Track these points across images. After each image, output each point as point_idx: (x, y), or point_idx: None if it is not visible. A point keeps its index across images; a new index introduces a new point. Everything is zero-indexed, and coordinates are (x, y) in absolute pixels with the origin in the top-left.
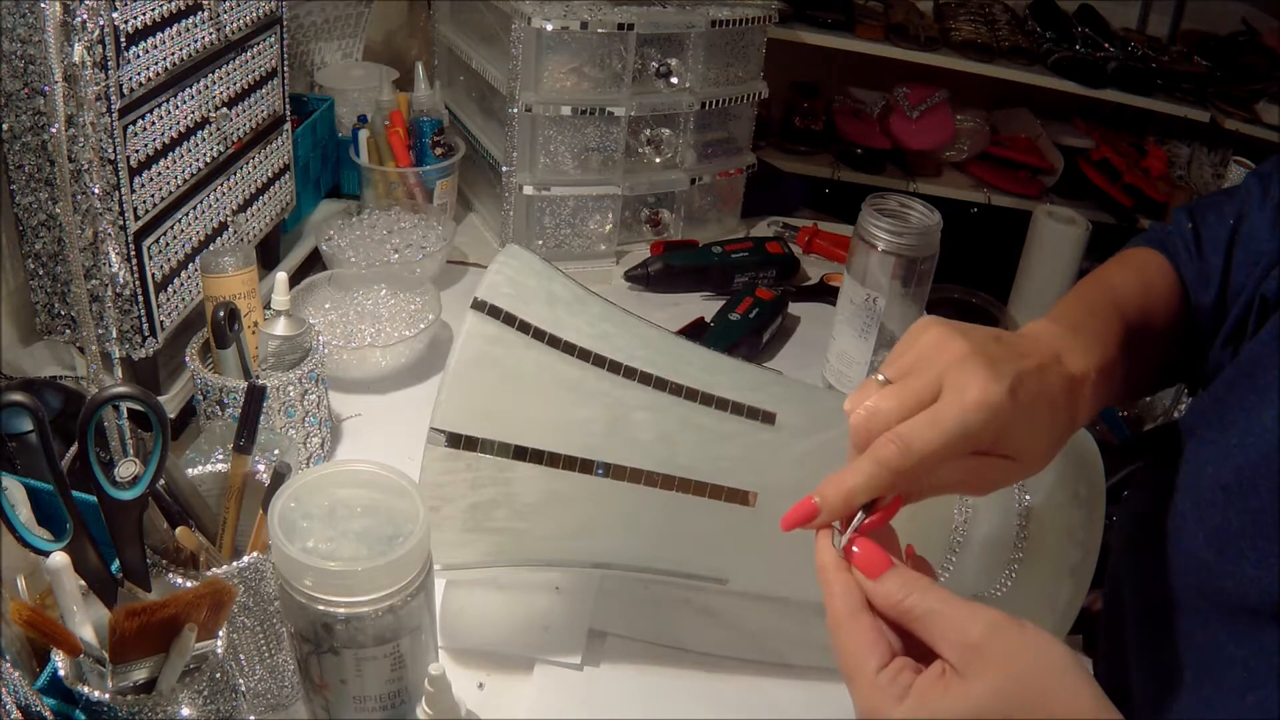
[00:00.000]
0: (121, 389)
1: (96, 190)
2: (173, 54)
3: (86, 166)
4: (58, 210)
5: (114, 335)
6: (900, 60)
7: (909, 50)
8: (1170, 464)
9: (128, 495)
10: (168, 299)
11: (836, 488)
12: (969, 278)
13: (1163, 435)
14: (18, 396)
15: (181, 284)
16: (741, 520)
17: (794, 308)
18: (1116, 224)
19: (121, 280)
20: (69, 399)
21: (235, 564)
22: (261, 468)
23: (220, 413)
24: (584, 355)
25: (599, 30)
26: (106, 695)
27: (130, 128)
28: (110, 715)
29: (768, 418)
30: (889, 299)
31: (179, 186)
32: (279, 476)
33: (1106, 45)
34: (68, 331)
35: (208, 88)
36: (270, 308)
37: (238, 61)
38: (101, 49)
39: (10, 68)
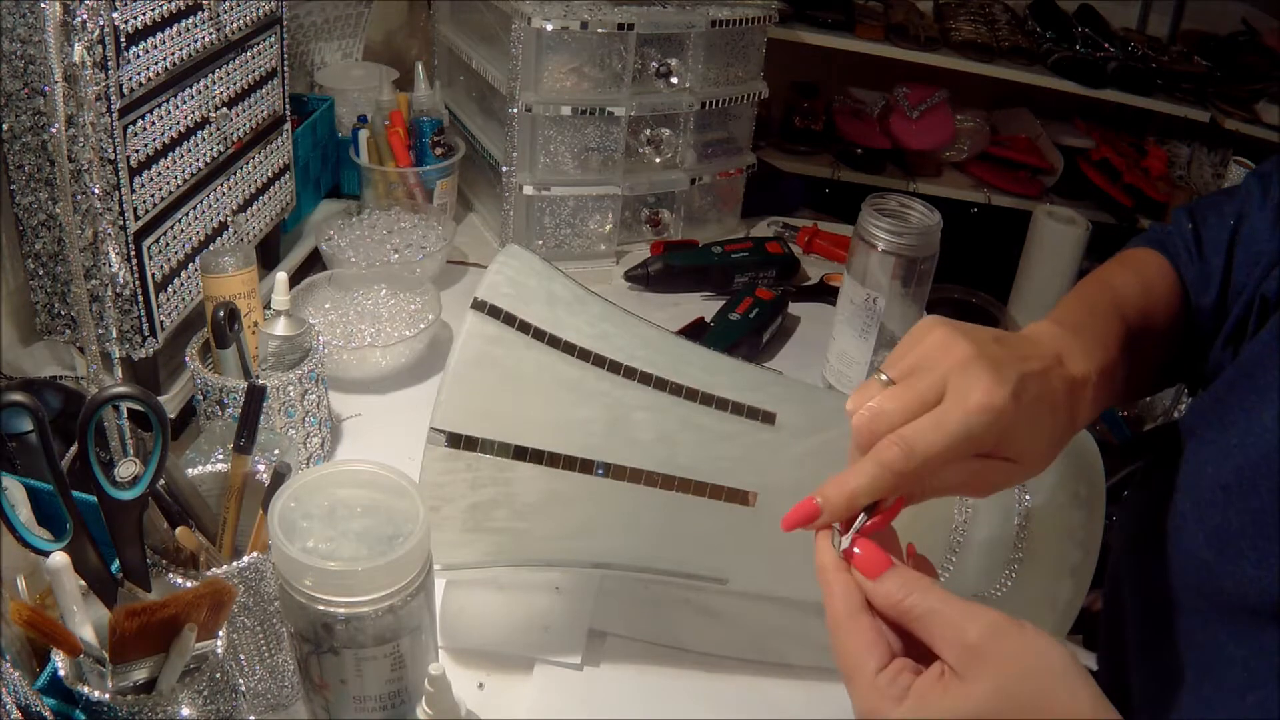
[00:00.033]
0: (121, 389)
1: (96, 190)
2: (173, 54)
3: (86, 166)
4: (58, 210)
5: (114, 335)
6: (900, 60)
7: (909, 50)
8: (1170, 464)
9: (128, 495)
10: (168, 299)
11: (839, 489)
12: (969, 278)
13: (1163, 435)
14: (18, 396)
15: (181, 284)
16: (741, 520)
17: (794, 308)
18: (1116, 224)
19: (121, 280)
20: (69, 399)
21: (235, 564)
22: (261, 468)
23: (220, 413)
24: (584, 355)
25: (599, 30)
26: (106, 695)
27: (130, 128)
28: (110, 715)
29: (768, 418)
30: (889, 299)
31: (179, 186)
32: (279, 476)
33: (1106, 45)
34: (68, 331)
35: (208, 88)
36: (270, 308)
37: (238, 61)
38: (101, 49)
39: (10, 68)
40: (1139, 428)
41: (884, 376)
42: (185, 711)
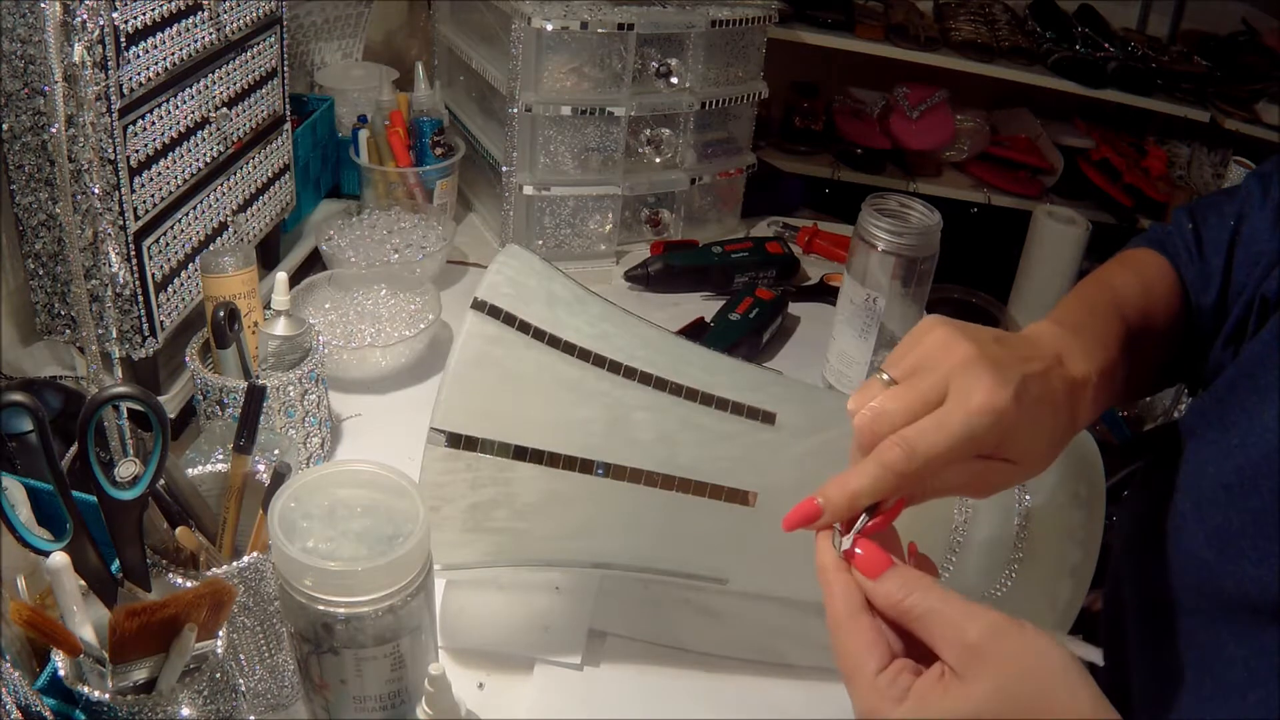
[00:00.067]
0: (121, 389)
1: (96, 190)
2: (173, 54)
3: (86, 166)
4: (58, 210)
5: (114, 335)
6: (900, 60)
7: (909, 50)
8: (1170, 464)
9: (128, 495)
10: (168, 299)
11: (840, 489)
12: (969, 278)
13: (1163, 435)
14: (18, 396)
15: (181, 284)
16: (741, 520)
17: (794, 308)
18: (1116, 224)
19: (121, 280)
20: (69, 399)
21: (235, 564)
22: (261, 468)
23: (220, 413)
24: (584, 355)
25: (599, 30)
26: (106, 695)
27: (130, 128)
28: (110, 715)
29: (768, 418)
30: (889, 299)
31: (179, 186)
32: (279, 476)
33: (1106, 45)
34: (68, 331)
35: (208, 88)
36: (270, 308)
37: (238, 61)
38: (101, 49)
39: (10, 68)
40: (1139, 428)
41: (885, 376)
42: (185, 711)
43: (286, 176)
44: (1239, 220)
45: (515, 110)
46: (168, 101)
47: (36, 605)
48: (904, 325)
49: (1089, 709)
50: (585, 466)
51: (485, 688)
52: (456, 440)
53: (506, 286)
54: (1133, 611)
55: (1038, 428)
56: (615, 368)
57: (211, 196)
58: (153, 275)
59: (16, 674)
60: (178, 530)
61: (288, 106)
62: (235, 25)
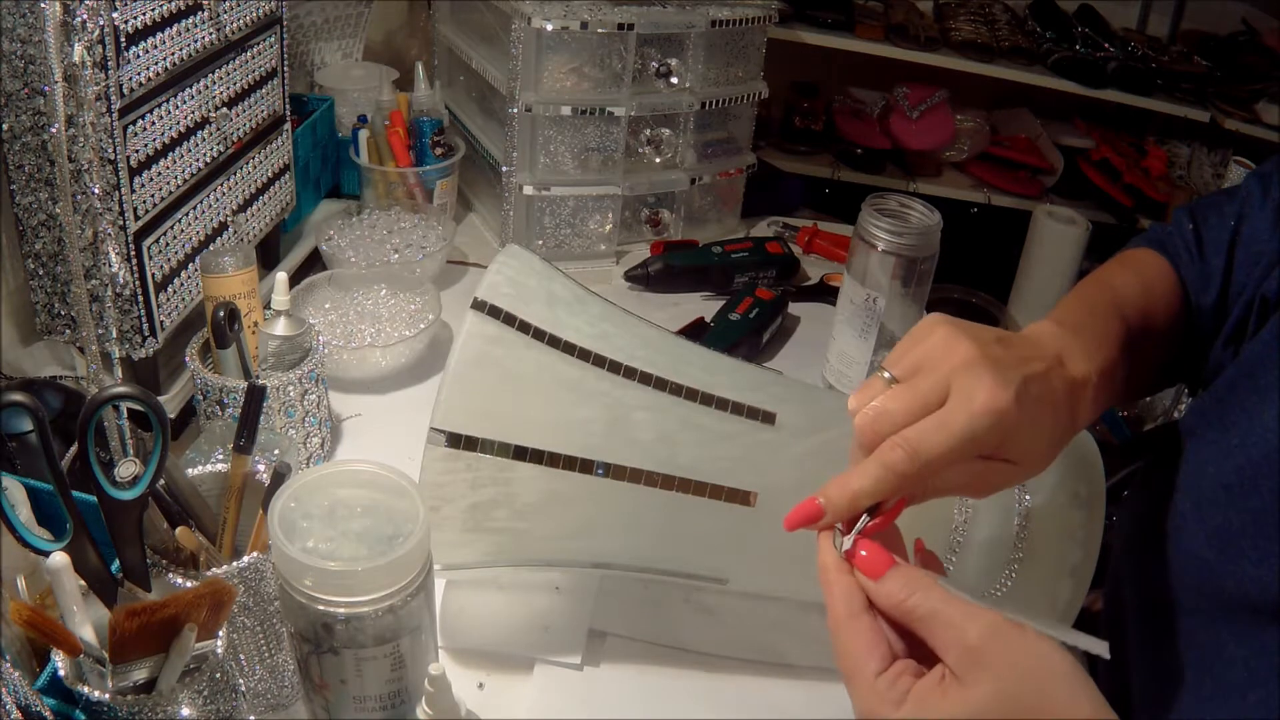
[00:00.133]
0: (121, 389)
1: (96, 190)
2: (173, 54)
3: (86, 166)
4: (58, 210)
5: (114, 335)
6: (900, 60)
7: (909, 50)
8: (1170, 464)
9: (128, 495)
10: (168, 299)
11: (842, 490)
12: (969, 278)
13: (1163, 435)
14: (18, 396)
15: (181, 284)
16: (741, 520)
17: (794, 308)
18: (1116, 224)
19: (121, 280)
20: (69, 399)
21: (235, 564)
22: (261, 468)
23: (220, 413)
24: (584, 355)
25: (599, 30)
26: (106, 695)
27: (130, 128)
28: (110, 715)
29: (768, 418)
30: (889, 299)
31: (179, 186)
32: (279, 476)
33: (1106, 45)
34: (68, 331)
35: (208, 88)
36: (270, 308)
37: (238, 61)
38: (101, 49)
39: (10, 68)
40: (1139, 428)
41: (886, 374)
42: (185, 711)
43: (286, 176)
44: (1239, 220)
45: (515, 110)
46: (168, 101)
47: (36, 605)
48: (904, 325)
49: (1089, 712)
50: (585, 466)
51: (485, 688)
52: (456, 440)
53: (506, 286)
54: (1133, 611)
55: (1038, 428)
56: (615, 368)
57: (211, 196)
58: (153, 275)
59: (16, 674)
60: (178, 530)
61: (288, 106)
62: (235, 25)
